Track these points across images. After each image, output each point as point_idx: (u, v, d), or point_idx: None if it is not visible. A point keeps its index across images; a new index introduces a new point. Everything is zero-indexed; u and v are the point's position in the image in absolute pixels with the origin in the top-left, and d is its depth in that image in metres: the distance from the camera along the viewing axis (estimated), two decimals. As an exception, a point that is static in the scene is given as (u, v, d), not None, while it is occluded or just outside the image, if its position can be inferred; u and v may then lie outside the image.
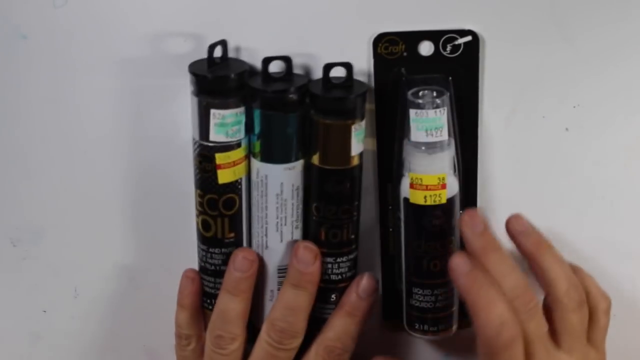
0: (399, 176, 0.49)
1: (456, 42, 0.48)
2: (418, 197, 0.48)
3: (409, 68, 0.49)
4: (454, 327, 0.53)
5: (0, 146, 0.52)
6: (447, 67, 0.49)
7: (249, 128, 0.47)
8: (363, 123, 0.47)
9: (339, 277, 0.50)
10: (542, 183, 0.53)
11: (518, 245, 0.50)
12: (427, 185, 0.48)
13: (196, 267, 0.52)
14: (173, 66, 0.49)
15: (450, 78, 0.49)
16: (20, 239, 0.55)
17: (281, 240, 0.49)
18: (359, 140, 0.47)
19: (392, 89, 0.49)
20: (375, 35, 0.48)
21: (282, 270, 0.50)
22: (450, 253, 0.50)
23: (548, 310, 0.49)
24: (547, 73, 0.50)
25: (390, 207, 0.52)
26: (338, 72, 0.47)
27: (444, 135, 0.47)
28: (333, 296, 0.50)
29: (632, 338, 0.56)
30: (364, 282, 0.50)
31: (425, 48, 0.49)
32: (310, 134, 0.47)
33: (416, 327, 0.52)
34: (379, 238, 0.53)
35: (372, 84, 0.49)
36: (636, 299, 0.55)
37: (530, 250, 0.49)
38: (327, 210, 0.48)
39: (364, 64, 0.49)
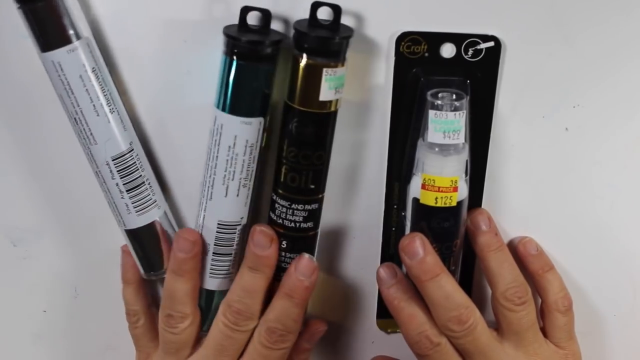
0: (409, 176, 0.49)
1: (478, 47, 0.48)
2: (429, 198, 0.48)
3: (429, 69, 0.48)
4: None
5: (0, 146, 0.52)
6: (466, 71, 0.49)
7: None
8: (339, 71, 0.46)
9: (292, 224, 0.49)
10: (542, 183, 0.53)
11: (474, 243, 0.52)
12: (439, 187, 0.48)
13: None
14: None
15: (468, 82, 0.49)
16: (21, 239, 0.55)
17: (226, 195, 0.48)
18: (331, 87, 0.46)
19: (410, 88, 0.49)
20: (398, 33, 0.48)
21: (222, 226, 0.49)
22: (454, 256, 0.50)
23: (493, 308, 0.51)
24: (547, 73, 0.50)
25: (395, 206, 0.52)
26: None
27: (460, 138, 0.47)
28: (284, 243, 0.50)
29: (632, 338, 0.56)
30: (302, 264, 0.50)
31: (447, 50, 0.49)
32: (290, 71, 0.46)
33: None
34: (380, 236, 0.53)
35: (391, 81, 0.49)
36: (636, 299, 0.55)
37: (479, 250, 0.51)
38: (288, 151, 0.48)
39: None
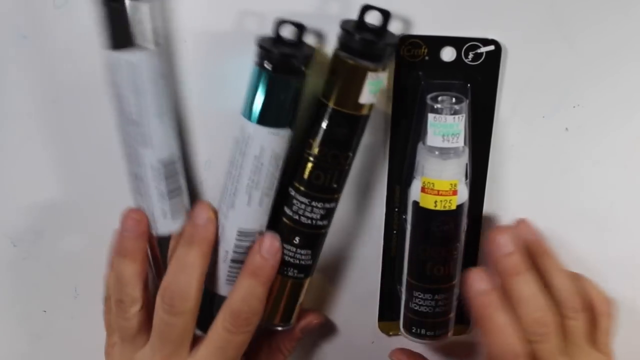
0: (410, 179, 0.49)
1: (478, 51, 0.48)
2: (428, 202, 0.48)
3: (430, 72, 0.48)
4: (450, 333, 0.53)
5: (0, 146, 0.52)
6: (466, 75, 0.49)
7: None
8: (381, 76, 0.46)
9: (309, 221, 0.49)
10: (542, 183, 0.53)
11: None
12: (438, 191, 0.48)
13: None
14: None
15: (468, 85, 0.49)
16: (21, 239, 0.55)
17: (248, 204, 0.48)
18: (371, 91, 0.46)
19: (411, 91, 0.49)
20: (398, 37, 0.48)
21: (242, 234, 0.49)
22: (455, 259, 0.50)
23: None
24: (547, 73, 0.50)
25: (396, 209, 0.52)
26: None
27: (459, 142, 0.47)
28: (297, 239, 0.49)
29: (632, 339, 0.56)
30: (266, 242, 0.49)
31: (448, 54, 0.49)
32: (330, 70, 0.46)
33: (413, 330, 0.52)
34: (382, 239, 0.53)
35: (392, 85, 0.49)
36: (636, 299, 0.55)
37: (532, 254, 0.50)
38: (317, 148, 0.47)
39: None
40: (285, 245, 0.50)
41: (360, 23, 0.46)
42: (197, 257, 0.48)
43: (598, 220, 0.54)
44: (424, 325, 0.52)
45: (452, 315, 0.52)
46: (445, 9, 0.48)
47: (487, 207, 0.53)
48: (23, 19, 0.49)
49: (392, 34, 0.46)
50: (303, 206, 0.49)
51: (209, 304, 0.51)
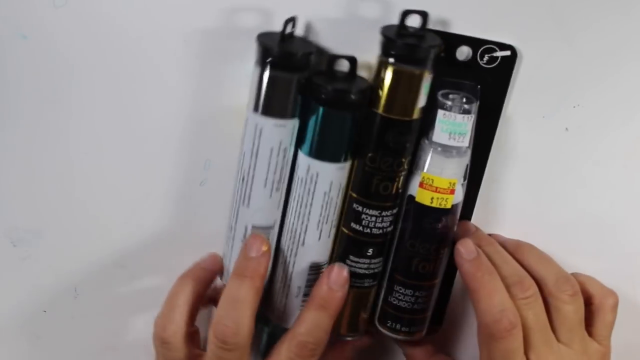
0: (408, 173, 0.49)
1: (494, 54, 0.48)
2: (425, 197, 0.48)
3: (442, 69, 0.48)
4: (424, 332, 0.53)
5: (1, 146, 0.52)
6: (479, 76, 0.49)
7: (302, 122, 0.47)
8: (430, 77, 0.46)
9: (380, 231, 0.49)
10: (542, 183, 0.53)
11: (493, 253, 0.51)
12: (436, 187, 0.48)
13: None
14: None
15: (479, 87, 0.49)
16: (21, 239, 0.55)
17: (319, 239, 0.49)
18: (425, 93, 0.46)
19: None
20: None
21: (314, 268, 0.49)
22: (441, 258, 0.50)
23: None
24: (547, 73, 0.50)
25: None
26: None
27: (465, 142, 0.47)
28: (370, 250, 0.49)
29: (632, 338, 0.56)
30: (334, 274, 0.49)
31: (463, 53, 0.49)
32: (376, 81, 0.46)
33: (388, 324, 0.52)
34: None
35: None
36: (636, 299, 0.55)
37: (511, 252, 0.51)
38: (382, 161, 0.47)
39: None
40: (359, 260, 0.50)
41: (404, 28, 0.45)
42: (249, 291, 0.47)
43: (598, 220, 0.53)
44: (400, 320, 0.52)
45: (429, 314, 0.52)
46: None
47: (487, 207, 0.53)
48: (23, 19, 0.49)
49: (433, 36, 0.47)
50: (374, 219, 0.49)
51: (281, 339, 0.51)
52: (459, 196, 0.49)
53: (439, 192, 0.48)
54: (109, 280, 0.56)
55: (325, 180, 0.47)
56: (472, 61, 0.49)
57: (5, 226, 0.55)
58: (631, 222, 0.54)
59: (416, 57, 0.45)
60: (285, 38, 0.45)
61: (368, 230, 0.49)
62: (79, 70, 0.50)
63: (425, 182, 0.48)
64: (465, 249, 0.49)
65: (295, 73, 0.45)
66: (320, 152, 0.47)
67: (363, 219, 0.49)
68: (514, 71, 0.49)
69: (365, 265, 0.50)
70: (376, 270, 0.51)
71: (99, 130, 0.51)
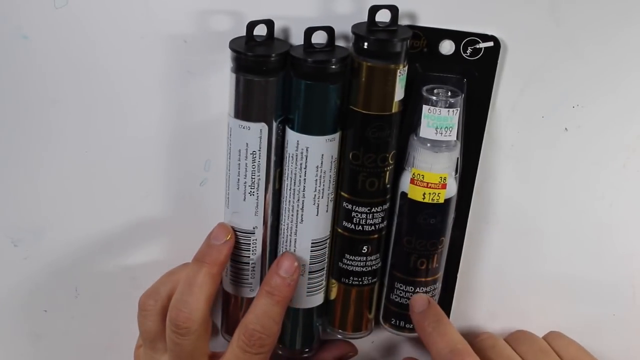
0: (400, 170, 0.50)
1: (477, 46, 0.48)
2: (417, 193, 0.48)
3: (427, 65, 0.48)
4: None
5: (1, 146, 0.52)
6: (464, 69, 0.49)
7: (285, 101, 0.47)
8: (405, 69, 0.46)
9: (372, 227, 0.49)
10: (541, 183, 0.53)
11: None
12: (427, 183, 0.48)
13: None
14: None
15: (465, 80, 0.49)
16: (21, 239, 0.55)
17: (317, 214, 0.49)
18: (402, 86, 0.47)
19: (408, 83, 0.49)
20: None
21: (315, 244, 0.50)
22: (439, 253, 0.50)
23: None
24: (547, 73, 0.50)
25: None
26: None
27: (452, 135, 0.47)
28: (365, 248, 0.50)
29: (632, 338, 0.56)
30: (284, 262, 0.49)
31: (446, 47, 0.49)
32: (352, 78, 0.47)
33: (393, 322, 0.52)
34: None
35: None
36: (636, 299, 0.55)
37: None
38: (366, 158, 0.47)
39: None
40: (355, 258, 0.50)
41: (374, 24, 0.46)
42: (205, 277, 0.48)
43: (598, 220, 0.54)
44: (403, 317, 0.52)
45: None
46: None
47: (487, 207, 0.53)
48: (23, 19, 0.49)
49: (404, 28, 0.47)
50: (364, 216, 0.49)
51: (294, 321, 0.52)
52: (451, 190, 0.49)
53: (430, 187, 0.48)
54: (109, 280, 0.56)
55: (316, 154, 0.47)
56: (456, 55, 0.49)
57: (5, 226, 0.55)
58: (631, 222, 0.54)
59: (388, 52, 0.45)
60: (249, 41, 0.46)
61: (360, 228, 0.49)
62: (79, 71, 0.50)
63: (416, 178, 0.48)
64: (416, 301, 0.50)
65: (259, 76, 0.46)
66: (308, 126, 0.47)
67: (354, 216, 0.49)
68: (505, 65, 0.49)
69: (362, 263, 0.50)
70: (374, 268, 0.51)
71: (99, 130, 0.52)
